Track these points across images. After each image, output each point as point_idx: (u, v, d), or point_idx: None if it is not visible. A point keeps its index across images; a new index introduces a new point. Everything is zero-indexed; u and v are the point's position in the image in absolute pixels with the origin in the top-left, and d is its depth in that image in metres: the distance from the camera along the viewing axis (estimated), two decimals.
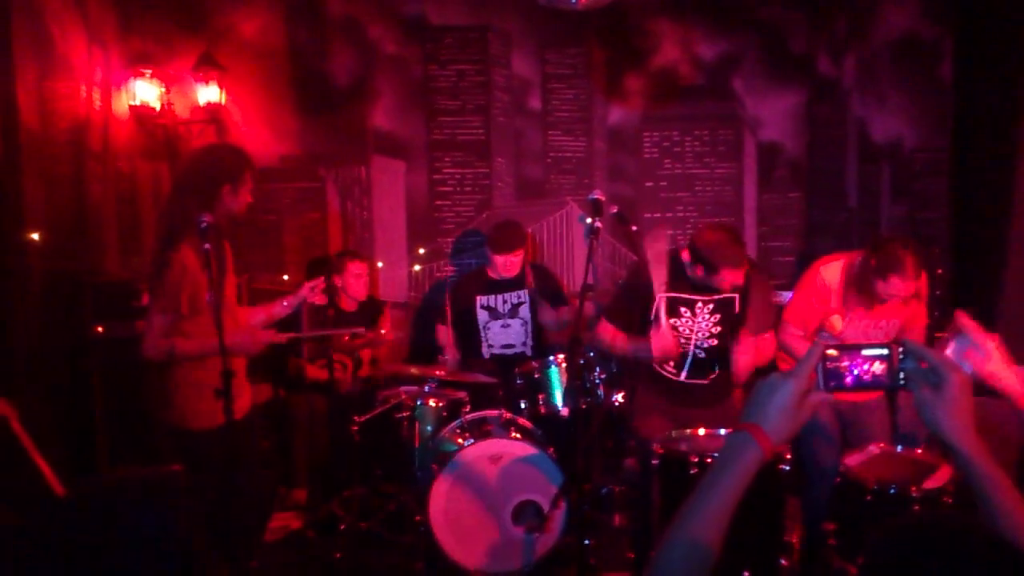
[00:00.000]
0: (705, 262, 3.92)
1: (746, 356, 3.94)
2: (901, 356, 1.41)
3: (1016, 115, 5.80)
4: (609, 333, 4.21)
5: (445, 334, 5.41)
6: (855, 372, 1.43)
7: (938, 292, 5.82)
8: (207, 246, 3.24)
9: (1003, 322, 5.85)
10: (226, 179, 3.48)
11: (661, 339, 3.97)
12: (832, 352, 1.43)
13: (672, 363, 4.16)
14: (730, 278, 3.92)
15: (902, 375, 1.42)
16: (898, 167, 6.81)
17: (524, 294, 5.45)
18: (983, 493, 1.34)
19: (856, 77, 6.75)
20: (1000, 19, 5.93)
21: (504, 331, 5.46)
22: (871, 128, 6.80)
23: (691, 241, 4.03)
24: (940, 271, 5.97)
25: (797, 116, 6.82)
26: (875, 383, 1.44)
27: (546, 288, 5.47)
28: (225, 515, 3.62)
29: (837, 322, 4.19)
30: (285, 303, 3.83)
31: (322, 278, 3.96)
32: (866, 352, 1.43)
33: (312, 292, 3.86)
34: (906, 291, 3.97)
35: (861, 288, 4.09)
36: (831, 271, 4.21)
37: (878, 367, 1.42)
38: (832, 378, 1.43)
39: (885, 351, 1.42)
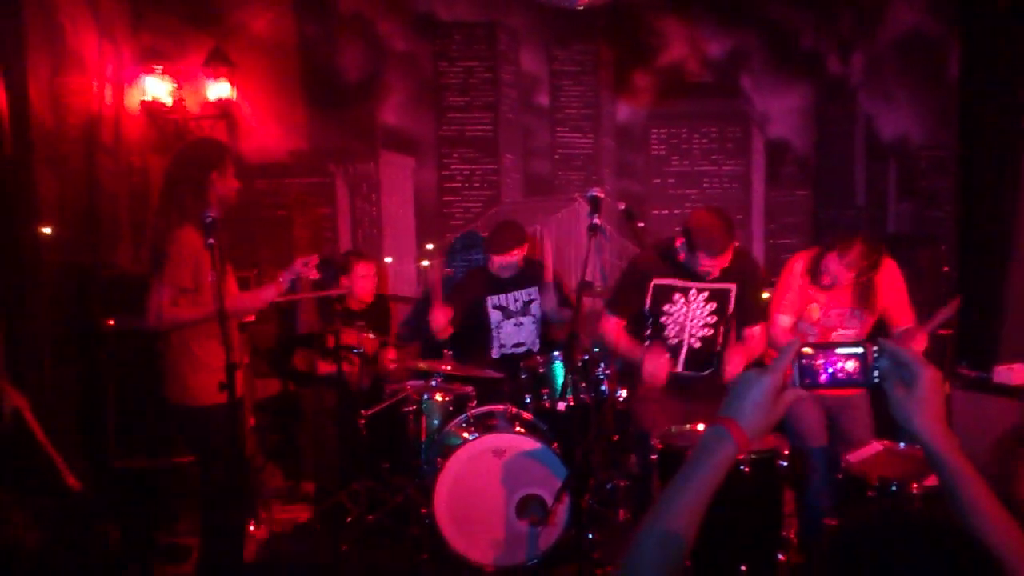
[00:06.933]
0: (688, 240, 3.95)
1: (737, 360, 3.97)
2: (876, 355, 1.44)
3: (1021, 111, 5.79)
4: (612, 330, 4.21)
5: (441, 315, 5.05)
6: (830, 370, 1.45)
7: (957, 293, 5.84)
8: (211, 240, 3.37)
9: (1009, 319, 5.86)
10: (212, 166, 3.75)
11: (654, 363, 3.96)
12: (808, 350, 1.46)
13: (667, 352, 4.15)
14: (706, 263, 3.93)
15: (876, 373, 1.44)
16: (905, 164, 6.80)
17: (535, 291, 5.36)
18: (954, 490, 1.36)
19: (863, 74, 6.75)
20: (1005, 15, 5.93)
21: (517, 330, 5.40)
22: (878, 125, 6.80)
23: (687, 217, 4.06)
24: (946, 268, 5.98)
25: (805, 113, 6.82)
26: (849, 381, 1.46)
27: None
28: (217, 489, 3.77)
29: (815, 311, 4.23)
30: (281, 278, 3.97)
31: (315, 255, 4.10)
32: (840, 351, 1.46)
33: (305, 267, 4.01)
34: (839, 271, 4.03)
35: (812, 264, 4.16)
36: (802, 261, 4.27)
37: (852, 365, 1.45)
38: (807, 375, 1.46)
39: (860, 349, 1.45)
